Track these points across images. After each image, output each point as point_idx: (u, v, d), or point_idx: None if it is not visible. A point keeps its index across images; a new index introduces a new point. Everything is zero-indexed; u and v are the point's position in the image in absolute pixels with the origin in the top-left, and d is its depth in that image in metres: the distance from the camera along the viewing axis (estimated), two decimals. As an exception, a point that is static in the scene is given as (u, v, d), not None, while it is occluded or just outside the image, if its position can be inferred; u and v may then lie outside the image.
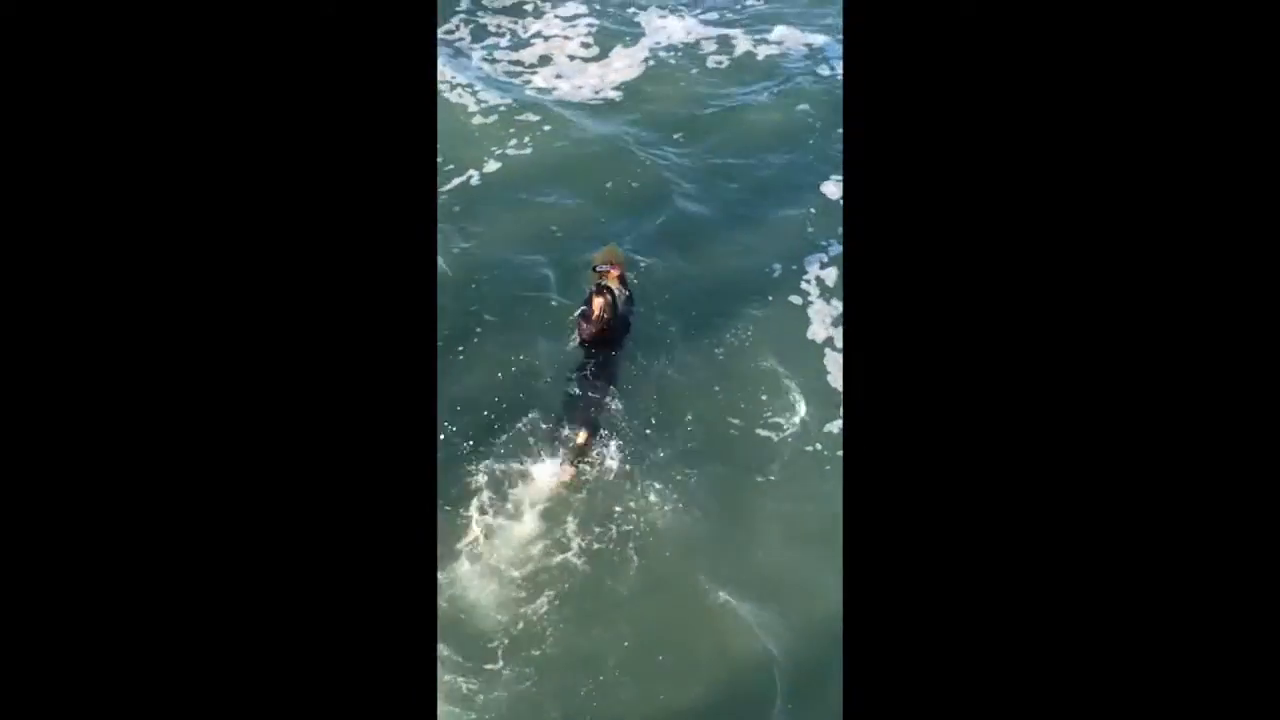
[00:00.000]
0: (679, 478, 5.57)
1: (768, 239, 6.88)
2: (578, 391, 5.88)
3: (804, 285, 6.56)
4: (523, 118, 7.86)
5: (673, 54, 8.42)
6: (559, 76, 8.21)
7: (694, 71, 8.26)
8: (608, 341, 6.02)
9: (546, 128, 7.76)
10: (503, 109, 7.95)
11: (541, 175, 7.36)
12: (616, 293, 6.05)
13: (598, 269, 6.19)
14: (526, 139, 7.66)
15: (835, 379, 6.03)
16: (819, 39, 8.46)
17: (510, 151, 7.55)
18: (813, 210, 7.08)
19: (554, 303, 6.51)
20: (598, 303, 5.93)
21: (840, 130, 7.41)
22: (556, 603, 5.07)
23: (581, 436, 5.66)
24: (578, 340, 6.10)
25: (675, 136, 7.72)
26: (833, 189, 7.21)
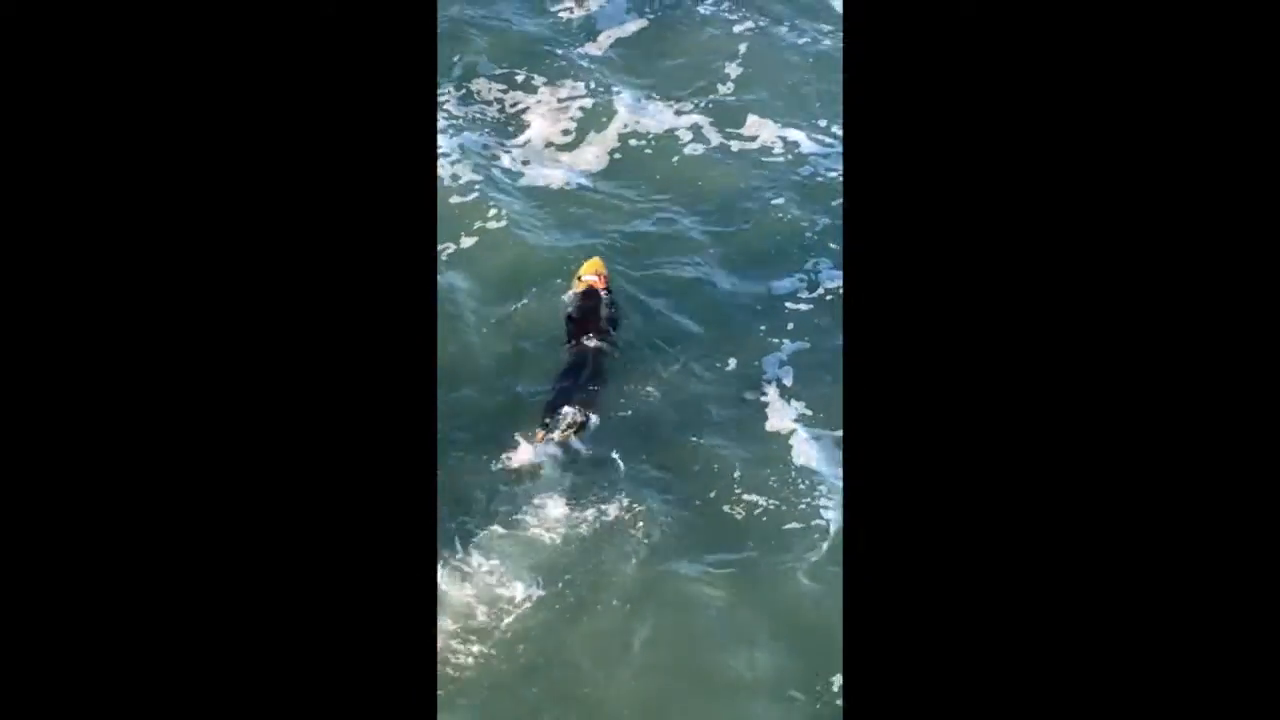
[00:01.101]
0: (663, 515, 5.85)
1: (744, 319, 7.18)
2: (569, 390, 6.29)
3: (775, 374, 6.83)
4: (495, 196, 8.02)
5: (647, 138, 8.64)
6: (536, 152, 8.42)
7: (673, 159, 8.47)
8: (595, 337, 6.43)
9: (532, 202, 7.95)
10: (478, 185, 8.09)
11: (523, 240, 7.58)
12: (601, 296, 6.59)
13: (583, 278, 6.72)
14: (503, 212, 7.80)
15: (815, 445, 6.33)
16: (793, 133, 8.69)
17: (488, 225, 7.70)
18: (790, 289, 7.38)
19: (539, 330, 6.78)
20: (584, 304, 6.49)
21: (815, 220, 7.80)
22: (538, 633, 5.22)
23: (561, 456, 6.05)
24: (567, 339, 6.51)
25: (654, 215, 7.91)
26: (814, 270, 7.52)
